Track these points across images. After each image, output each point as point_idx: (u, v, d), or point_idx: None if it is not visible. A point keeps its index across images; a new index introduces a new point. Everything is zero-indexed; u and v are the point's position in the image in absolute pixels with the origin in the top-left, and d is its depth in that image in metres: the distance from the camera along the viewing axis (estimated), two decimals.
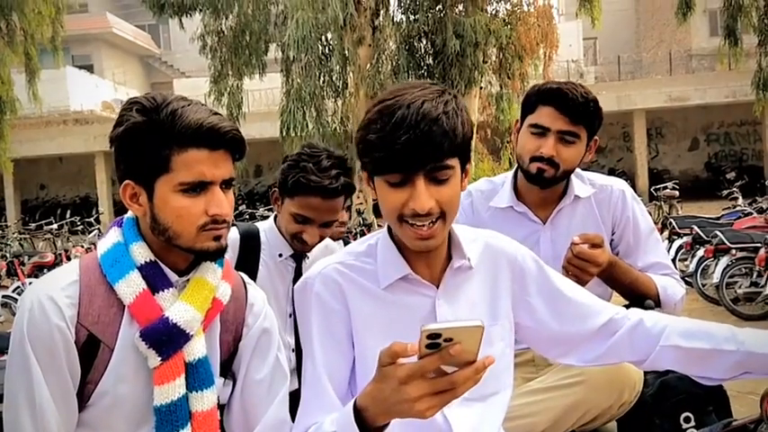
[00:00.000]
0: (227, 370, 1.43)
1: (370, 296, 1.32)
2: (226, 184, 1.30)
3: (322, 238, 2.12)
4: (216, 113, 1.29)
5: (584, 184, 2.03)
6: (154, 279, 1.30)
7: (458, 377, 1.02)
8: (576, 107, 1.86)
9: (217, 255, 1.32)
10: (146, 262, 1.30)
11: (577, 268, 1.79)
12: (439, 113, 1.18)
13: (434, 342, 1.00)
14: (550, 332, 1.42)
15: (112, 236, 1.35)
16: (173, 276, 1.32)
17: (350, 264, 1.35)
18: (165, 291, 1.30)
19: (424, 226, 1.23)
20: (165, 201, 1.26)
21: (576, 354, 1.44)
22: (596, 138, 1.98)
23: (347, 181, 2.03)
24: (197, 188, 1.26)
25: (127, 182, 1.30)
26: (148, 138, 1.24)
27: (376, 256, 1.35)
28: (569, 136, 1.89)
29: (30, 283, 8.30)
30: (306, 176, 1.98)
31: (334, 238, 2.82)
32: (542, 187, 1.95)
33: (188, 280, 1.33)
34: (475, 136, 13.55)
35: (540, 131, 1.90)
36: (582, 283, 1.79)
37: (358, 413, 1.10)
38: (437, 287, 1.35)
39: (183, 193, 1.25)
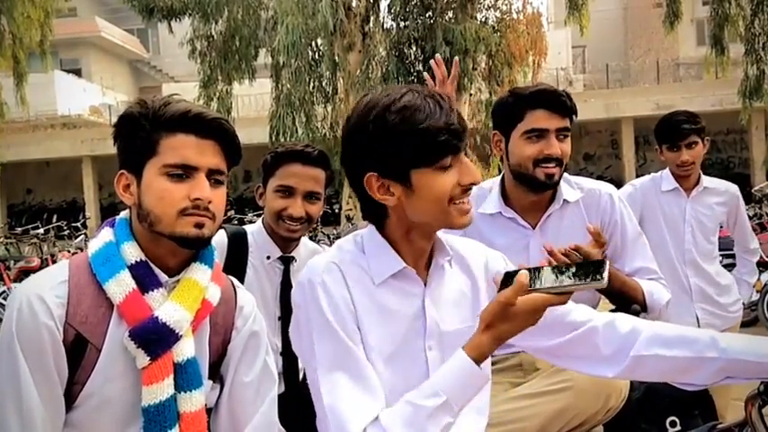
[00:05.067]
0: (216, 373, 1.42)
1: (366, 290, 1.31)
2: (216, 179, 1.32)
3: (309, 217, 2.11)
4: (207, 109, 1.34)
5: (572, 188, 2.05)
6: (144, 279, 1.30)
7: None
8: (564, 103, 1.92)
9: (198, 243, 1.31)
10: (136, 261, 1.30)
11: None
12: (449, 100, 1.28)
13: None
14: None
15: (104, 235, 1.35)
16: (162, 276, 1.33)
17: (346, 259, 1.34)
18: (155, 291, 1.30)
19: (468, 200, 1.31)
20: (150, 183, 1.29)
21: (529, 340, 1.41)
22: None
23: (324, 154, 2.15)
24: (181, 172, 1.28)
25: (121, 172, 1.33)
26: (140, 123, 1.29)
27: (365, 253, 1.35)
28: (565, 131, 1.94)
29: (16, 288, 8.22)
30: (285, 148, 2.16)
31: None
32: (546, 190, 1.97)
33: (178, 280, 1.34)
34: None
35: (538, 134, 1.92)
36: None
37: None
38: (424, 285, 1.35)
39: (168, 176, 1.28)
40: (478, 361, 1.20)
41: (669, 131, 3.04)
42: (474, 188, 2.11)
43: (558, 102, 1.91)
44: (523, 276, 1.17)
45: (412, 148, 1.23)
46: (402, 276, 1.33)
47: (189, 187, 1.28)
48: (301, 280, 1.33)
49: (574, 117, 1.97)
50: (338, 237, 10.90)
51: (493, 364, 1.44)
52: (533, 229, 2.01)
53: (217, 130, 1.31)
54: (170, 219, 1.28)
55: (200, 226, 1.29)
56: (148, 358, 1.27)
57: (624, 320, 1.39)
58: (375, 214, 1.34)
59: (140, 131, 1.29)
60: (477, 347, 1.20)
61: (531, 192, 1.98)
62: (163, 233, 1.29)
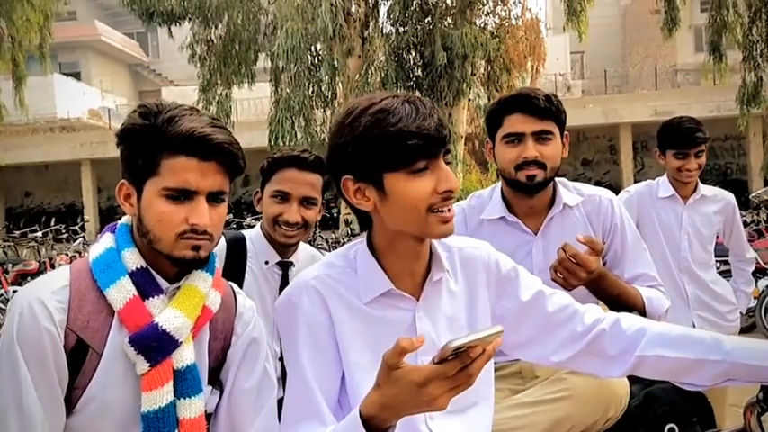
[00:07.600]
0: (215, 379, 1.42)
1: (352, 310, 1.32)
2: (215, 197, 1.30)
3: (305, 222, 2.12)
4: (215, 125, 1.29)
5: (570, 193, 2.05)
6: (144, 285, 1.30)
7: (474, 368, 1.05)
8: (539, 105, 1.91)
9: (195, 264, 1.32)
10: (137, 268, 1.31)
11: (568, 271, 1.79)
12: (431, 106, 1.26)
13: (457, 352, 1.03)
14: (516, 327, 1.42)
15: (105, 241, 1.35)
16: (163, 283, 1.33)
17: (332, 276, 1.34)
18: (156, 297, 1.30)
19: (449, 209, 1.26)
20: (150, 203, 1.28)
21: (536, 348, 1.42)
22: (566, 132, 2.02)
23: (321, 159, 2.12)
24: (180, 195, 1.27)
25: (122, 181, 1.33)
26: (142, 140, 1.27)
27: (356, 270, 1.35)
28: (544, 134, 1.93)
29: (13, 291, 8.22)
30: (281, 153, 2.18)
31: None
32: (533, 193, 1.97)
33: (178, 287, 1.34)
34: (463, 148, 13.63)
35: (515, 138, 1.93)
36: (569, 288, 1.80)
37: (365, 422, 1.10)
38: (417, 299, 1.34)
39: (167, 198, 1.27)
40: (370, 420, 1.09)
41: (680, 138, 2.95)
42: (474, 198, 2.14)
43: (531, 105, 1.91)
44: (402, 339, 1.04)
45: (383, 151, 1.22)
46: (390, 295, 1.32)
47: (188, 210, 1.27)
48: (282, 297, 1.36)
49: (562, 119, 1.96)
50: (337, 241, 10.90)
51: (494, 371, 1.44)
52: (535, 234, 2.02)
53: (220, 154, 1.29)
54: (168, 240, 1.28)
55: (197, 248, 1.29)
56: (148, 364, 1.27)
57: (629, 320, 1.39)
58: (362, 221, 1.35)
59: (142, 150, 1.27)
60: (365, 405, 1.10)
61: (523, 195, 1.98)
62: (161, 252, 1.30)
